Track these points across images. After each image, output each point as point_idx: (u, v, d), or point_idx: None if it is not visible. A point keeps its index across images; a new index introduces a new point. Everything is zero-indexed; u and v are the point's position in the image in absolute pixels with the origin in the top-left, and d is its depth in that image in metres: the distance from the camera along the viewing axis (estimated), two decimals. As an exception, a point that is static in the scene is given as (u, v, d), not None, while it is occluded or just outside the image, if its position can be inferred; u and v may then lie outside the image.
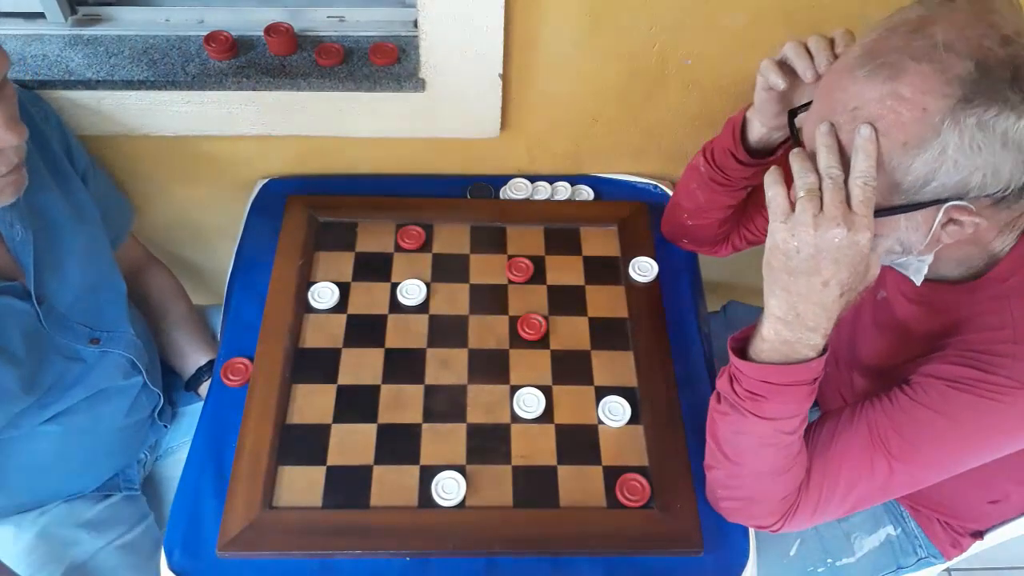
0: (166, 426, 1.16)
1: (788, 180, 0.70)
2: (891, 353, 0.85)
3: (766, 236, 1.02)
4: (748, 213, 1.03)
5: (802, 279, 0.68)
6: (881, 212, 0.65)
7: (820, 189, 0.66)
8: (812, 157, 0.67)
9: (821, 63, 0.76)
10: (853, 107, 0.64)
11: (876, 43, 0.64)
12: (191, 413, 1.16)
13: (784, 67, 0.79)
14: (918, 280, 0.75)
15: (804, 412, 0.75)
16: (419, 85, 1.08)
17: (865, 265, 0.67)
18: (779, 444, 0.76)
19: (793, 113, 0.75)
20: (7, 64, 0.75)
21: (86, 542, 1.03)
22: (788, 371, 0.72)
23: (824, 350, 0.72)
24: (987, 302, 0.74)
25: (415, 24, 1.05)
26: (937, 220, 0.66)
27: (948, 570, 1.55)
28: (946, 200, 0.64)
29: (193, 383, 1.15)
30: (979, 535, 1.00)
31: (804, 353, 0.72)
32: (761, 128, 0.88)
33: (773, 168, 0.71)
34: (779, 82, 0.79)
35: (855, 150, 0.63)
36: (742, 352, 0.76)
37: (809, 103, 0.72)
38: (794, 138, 0.73)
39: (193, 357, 1.15)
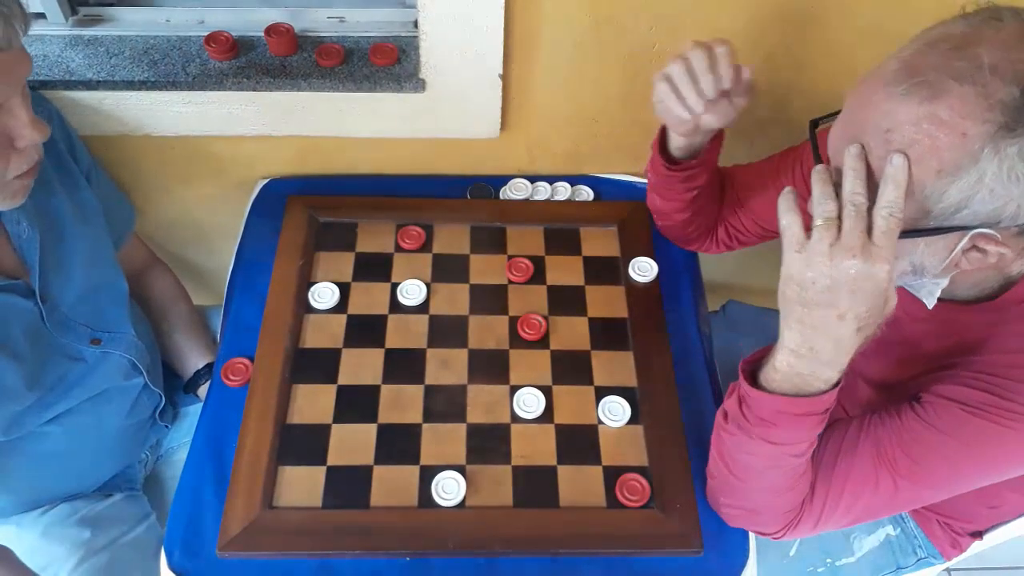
0: (167, 426, 1.16)
1: (802, 207, 0.67)
2: (897, 369, 0.84)
3: (754, 237, 1.03)
4: (731, 210, 1.03)
5: (817, 312, 0.65)
6: (905, 234, 0.62)
7: (839, 217, 0.63)
8: (834, 177, 0.65)
9: (708, 91, 0.78)
10: (886, 128, 0.61)
11: (914, 58, 0.61)
12: (193, 413, 1.17)
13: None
14: (930, 303, 0.73)
15: (813, 438, 0.74)
16: (419, 85, 1.08)
17: (884, 298, 0.64)
18: (786, 466, 0.75)
19: (815, 124, 0.72)
20: (30, 68, 0.77)
21: (88, 541, 1.03)
22: (799, 403, 0.70)
23: (838, 384, 0.70)
24: (1002, 325, 0.72)
25: (415, 24, 1.05)
26: (960, 246, 0.64)
27: (948, 570, 1.55)
28: (975, 227, 0.62)
29: (191, 386, 1.15)
30: (978, 535, 1.00)
31: (817, 387, 0.70)
32: (678, 138, 0.88)
33: (788, 192, 0.67)
34: (684, 115, 0.81)
35: (885, 179, 0.60)
36: (753, 376, 0.74)
37: (835, 113, 0.69)
38: (813, 149, 0.70)
39: (192, 360, 1.15)
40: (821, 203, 0.64)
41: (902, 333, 0.83)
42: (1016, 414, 0.68)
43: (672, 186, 0.96)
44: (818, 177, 0.65)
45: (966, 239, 0.63)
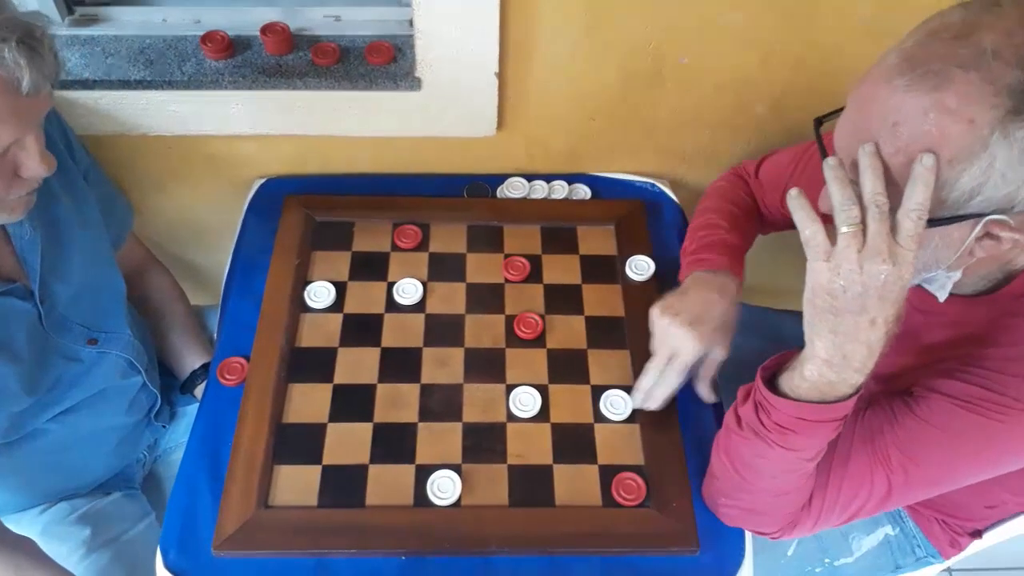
0: (164, 426, 1.16)
1: (815, 208, 0.65)
2: (896, 359, 0.83)
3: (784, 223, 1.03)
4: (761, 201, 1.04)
5: (848, 319, 0.64)
6: None
7: (863, 221, 0.61)
8: (848, 174, 0.63)
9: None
10: (893, 122, 0.60)
11: (915, 50, 0.60)
12: (190, 414, 1.16)
13: None
14: (942, 296, 0.73)
15: (827, 442, 0.73)
16: (415, 84, 1.08)
17: (905, 298, 0.63)
18: (798, 471, 0.75)
19: (819, 122, 0.71)
20: (52, 104, 0.78)
21: (89, 539, 1.03)
22: (824, 410, 0.69)
23: (861, 387, 0.69)
24: (999, 319, 0.72)
25: (411, 23, 1.05)
26: (973, 234, 0.63)
27: (948, 570, 1.54)
28: (989, 214, 0.61)
29: (188, 386, 1.15)
30: (978, 534, 1.00)
31: (843, 391, 0.69)
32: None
33: (797, 194, 0.64)
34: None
35: (914, 180, 0.59)
36: (772, 383, 0.73)
37: (838, 110, 0.67)
38: (820, 148, 0.69)
39: (189, 359, 1.15)
40: (845, 209, 0.62)
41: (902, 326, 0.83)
42: (1008, 408, 0.68)
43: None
44: (834, 175, 0.63)
45: (979, 227, 0.62)
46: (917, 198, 0.59)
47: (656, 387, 0.91)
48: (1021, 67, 0.56)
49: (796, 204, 0.65)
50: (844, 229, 0.62)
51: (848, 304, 0.63)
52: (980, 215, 0.61)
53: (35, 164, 0.77)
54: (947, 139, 0.58)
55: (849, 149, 0.64)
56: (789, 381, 0.71)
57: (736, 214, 1.02)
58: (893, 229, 0.61)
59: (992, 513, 0.96)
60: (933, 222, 0.62)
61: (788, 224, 1.02)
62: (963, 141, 0.58)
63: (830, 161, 0.63)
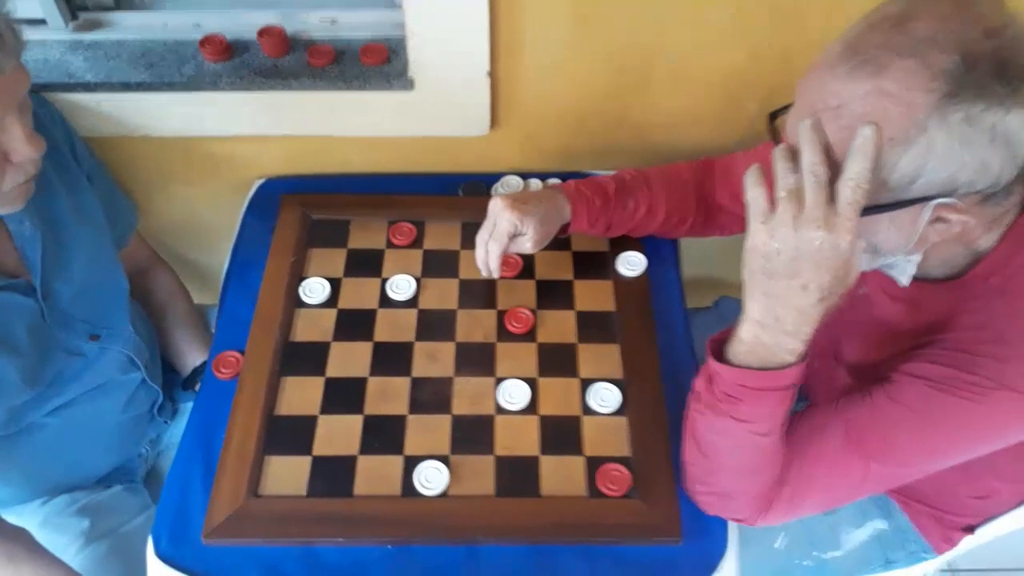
0: (166, 422, 1.19)
1: (767, 181, 0.68)
2: (872, 350, 0.84)
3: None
4: (732, 199, 1.04)
5: (781, 282, 0.66)
6: (868, 211, 0.63)
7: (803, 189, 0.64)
8: (796, 156, 0.66)
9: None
10: (836, 105, 0.62)
11: (857, 39, 0.63)
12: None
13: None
14: (905, 281, 0.74)
15: (780, 415, 0.74)
16: (408, 84, 1.10)
17: (846, 269, 0.65)
18: (754, 445, 0.75)
19: (773, 116, 0.73)
20: (28, 82, 0.78)
21: (88, 530, 1.05)
22: (764, 376, 0.71)
23: (804, 356, 0.71)
24: (969, 301, 0.72)
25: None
26: (924, 218, 0.64)
27: (952, 569, 1.52)
28: (934, 197, 0.63)
29: (190, 382, 1.17)
30: (970, 530, 0.99)
31: (783, 358, 0.71)
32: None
33: (754, 167, 0.69)
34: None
35: (853, 151, 0.61)
36: (719, 353, 0.75)
37: (789, 105, 0.70)
38: (774, 141, 0.71)
39: (191, 356, 1.18)
40: (784, 176, 0.65)
41: (875, 313, 0.83)
42: (981, 388, 0.68)
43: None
44: (779, 155, 0.66)
45: (928, 210, 0.64)
46: (855, 168, 0.61)
47: (488, 258, 0.98)
48: (957, 51, 0.58)
49: (748, 172, 0.68)
50: (782, 194, 0.64)
51: (781, 267, 0.65)
52: (925, 198, 0.63)
53: (22, 147, 0.77)
54: (887, 120, 0.60)
55: (796, 131, 0.66)
56: (731, 347, 0.73)
57: (647, 177, 1.06)
58: (833, 199, 0.63)
59: (983, 505, 0.95)
60: (880, 208, 0.64)
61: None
62: (902, 123, 0.60)
63: (779, 146, 0.67)
